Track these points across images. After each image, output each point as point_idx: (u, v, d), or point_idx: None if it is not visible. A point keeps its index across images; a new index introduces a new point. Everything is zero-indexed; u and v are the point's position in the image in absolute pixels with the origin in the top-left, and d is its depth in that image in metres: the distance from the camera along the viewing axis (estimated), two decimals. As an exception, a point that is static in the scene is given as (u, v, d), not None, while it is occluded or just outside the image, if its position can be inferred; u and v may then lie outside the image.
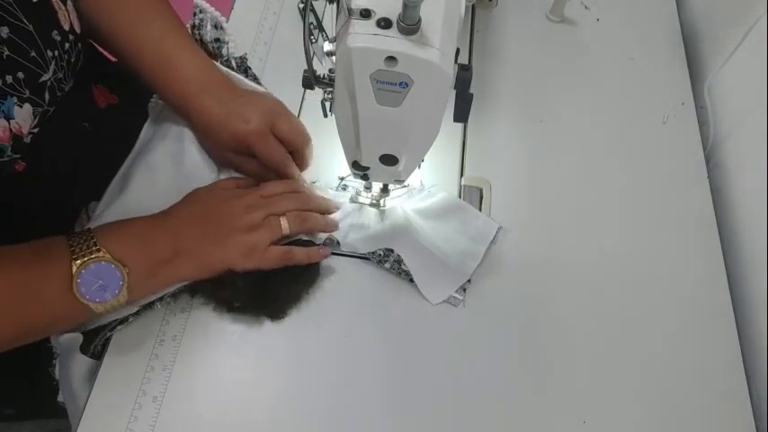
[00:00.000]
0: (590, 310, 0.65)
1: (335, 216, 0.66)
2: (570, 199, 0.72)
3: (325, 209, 0.65)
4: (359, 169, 0.60)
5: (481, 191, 0.72)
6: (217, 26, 0.75)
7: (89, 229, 0.54)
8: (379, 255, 0.64)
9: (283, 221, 0.60)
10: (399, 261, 0.63)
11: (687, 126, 0.79)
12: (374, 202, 0.68)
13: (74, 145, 0.64)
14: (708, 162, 0.76)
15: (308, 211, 0.63)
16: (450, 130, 0.74)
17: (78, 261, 0.51)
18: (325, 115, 0.60)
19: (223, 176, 0.67)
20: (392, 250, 0.64)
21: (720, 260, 0.69)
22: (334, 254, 0.65)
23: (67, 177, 0.64)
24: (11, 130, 0.53)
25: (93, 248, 0.52)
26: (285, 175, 0.65)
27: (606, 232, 0.70)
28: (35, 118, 0.56)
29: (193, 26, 0.75)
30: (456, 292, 0.64)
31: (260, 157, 0.64)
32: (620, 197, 0.73)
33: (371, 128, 0.52)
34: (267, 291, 0.60)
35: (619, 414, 0.60)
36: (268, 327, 0.61)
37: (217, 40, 0.75)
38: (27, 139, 0.56)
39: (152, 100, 0.71)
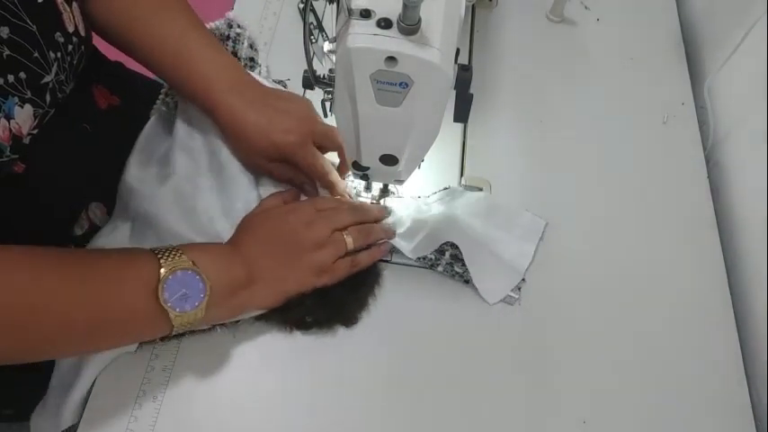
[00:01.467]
0: (589, 309, 0.65)
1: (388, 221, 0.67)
2: (570, 199, 0.72)
3: (379, 216, 0.66)
4: (359, 169, 0.60)
5: (481, 191, 0.72)
6: (252, 46, 0.75)
7: (173, 246, 0.55)
8: (431, 259, 0.64)
9: (348, 238, 0.61)
10: (452, 263, 0.64)
11: (687, 126, 0.79)
12: (374, 202, 0.68)
13: (74, 146, 0.64)
14: (708, 162, 0.76)
15: (367, 222, 0.64)
16: (450, 130, 0.74)
17: (165, 268, 0.51)
18: (326, 115, 0.60)
19: (263, 191, 0.66)
20: (443, 253, 0.64)
21: (720, 260, 0.69)
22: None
23: (67, 179, 0.64)
24: (10, 130, 0.53)
25: (182, 257, 0.52)
26: (327, 182, 0.65)
27: (606, 232, 0.70)
28: (35, 119, 0.56)
29: (228, 38, 0.74)
30: (512, 290, 0.64)
31: (302, 167, 0.64)
32: (620, 197, 0.73)
33: (371, 128, 0.52)
34: (335, 301, 0.60)
35: (619, 414, 0.60)
36: (270, 329, 0.61)
37: (251, 59, 0.75)
38: (26, 140, 0.56)
39: (156, 104, 0.70)
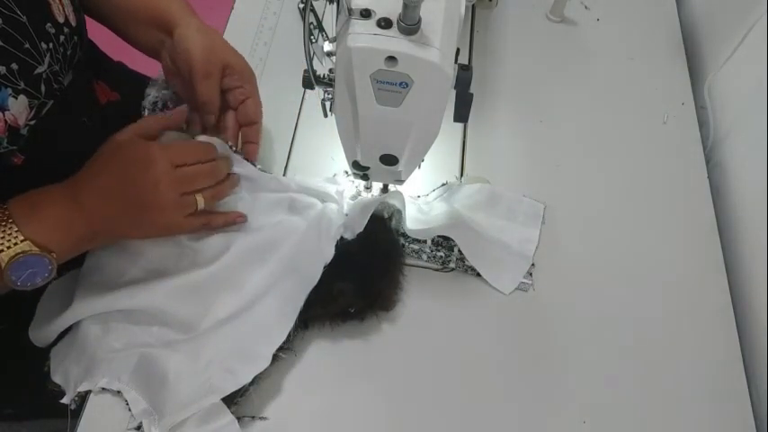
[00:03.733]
0: (589, 309, 0.65)
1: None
2: (570, 199, 0.72)
3: (229, 168, 0.64)
4: (359, 169, 0.60)
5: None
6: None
7: (5, 207, 0.53)
8: (441, 257, 0.65)
9: (199, 199, 0.58)
10: (462, 258, 0.65)
11: (687, 126, 0.79)
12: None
13: (72, 139, 0.64)
14: (708, 162, 0.76)
15: (222, 180, 0.62)
16: (450, 130, 0.74)
17: (5, 255, 0.51)
18: (326, 115, 0.60)
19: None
20: (452, 249, 0.65)
21: (720, 260, 0.69)
22: None
23: (66, 171, 0.64)
24: (5, 121, 0.54)
25: (19, 240, 0.52)
26: (254, 104, 0.66)
27: (606, 232, 0.70)
28: (31, 110, 0.56)
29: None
30: (524, 277, 0.65)
31: (243, 75, 0.65)
32: (620, 197, 0.73)
33: (371, 128, 0.52)
34: (372, 288, 0.60)
35: (619, 414, 0.60)
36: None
37: None
38: (24, 131, 0.56)
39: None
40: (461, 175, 0.73)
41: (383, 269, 0.62)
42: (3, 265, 0.51)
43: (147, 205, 0.56)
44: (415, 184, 0.71)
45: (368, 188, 0.68)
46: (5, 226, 0.52)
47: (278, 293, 0.60)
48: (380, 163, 0.57)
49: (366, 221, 0.61)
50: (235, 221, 0.62)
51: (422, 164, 0.63)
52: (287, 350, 0.59)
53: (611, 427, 0.59)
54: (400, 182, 0.63)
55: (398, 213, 0.65)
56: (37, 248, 0.52)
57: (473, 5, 0.87)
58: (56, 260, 0.53)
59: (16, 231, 0.52)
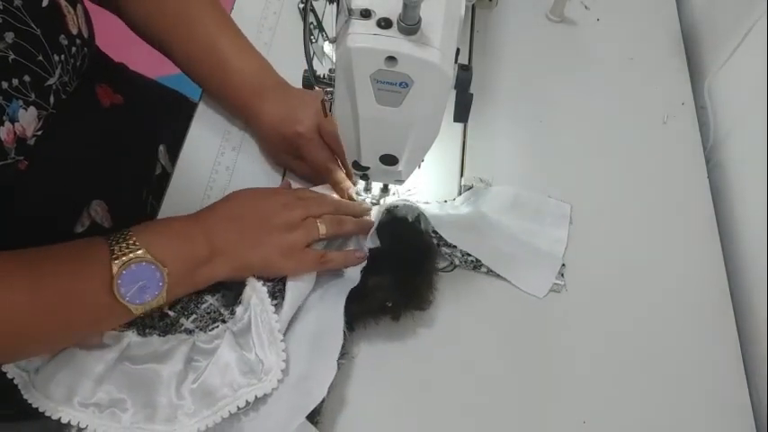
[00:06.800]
0: (589, 309, 0.65)
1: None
2: (570, 199, 0.72)
3: (360, 212, 0.64)
4: (359, 169, 0.60)
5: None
6: None
7: (127, 228, 0.53)
8: (473, 261, 0.65)
9: (320, 224, 0.59)
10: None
11: (687, 126, 0.79)
12: (374, 202, 0.68)
13: (76, 144, 0.64)
14: (708, 162, 0.76)
15: (344, 215, 0.62)
16: (450, 130, 0.74)
17: (118, 261, 0.49)
18: (325, 115, 0.60)
19: None
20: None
21: (720, 260, 0.69)
22: None
23: (70, 175, 0.64)
24: (15, 132, 0.54)
25: (134, 247, 0.50)
26: (330, 178, 0.65)
27: (606, 232, 0.70)
28: (39, 121, 0.56)
29: None
30: (556, 278, 0.65)
31: (306, 159, 0.65)
32: (620, 197, 0.73)
33: (371, 128, 0.52)
34: (407, 283, 0.60)
35: (619, 414, 0.60)
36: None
37: None
38: (31, 142, 0.56)
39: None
40: (461, 175, 0.73)
41: (418, 266, 0.61)
42: (114, 272, 0.49)
43: (273, 222, 0.57)
44: (416, 185, 0.71)
45: (367, 189, 0.68)
46: (122, 235, 0.51)
47: (321, 304, 0.59)
48: (380, 163, 0.57)
49: (375, 235, 0.61)
50: (353, 261, 0.60)
51: (422, 164, 0.63)
52: (345, 355, 0.58)
53: (611, 427, 0.59)
54: (400, 182, 0.63)
55: (423, 217, 0.64)
56: (150, 256, 0.50)
57: (473, 5, 0.87)
58: (168, 277, 0.51)
59: (133, 239, 0.51)
